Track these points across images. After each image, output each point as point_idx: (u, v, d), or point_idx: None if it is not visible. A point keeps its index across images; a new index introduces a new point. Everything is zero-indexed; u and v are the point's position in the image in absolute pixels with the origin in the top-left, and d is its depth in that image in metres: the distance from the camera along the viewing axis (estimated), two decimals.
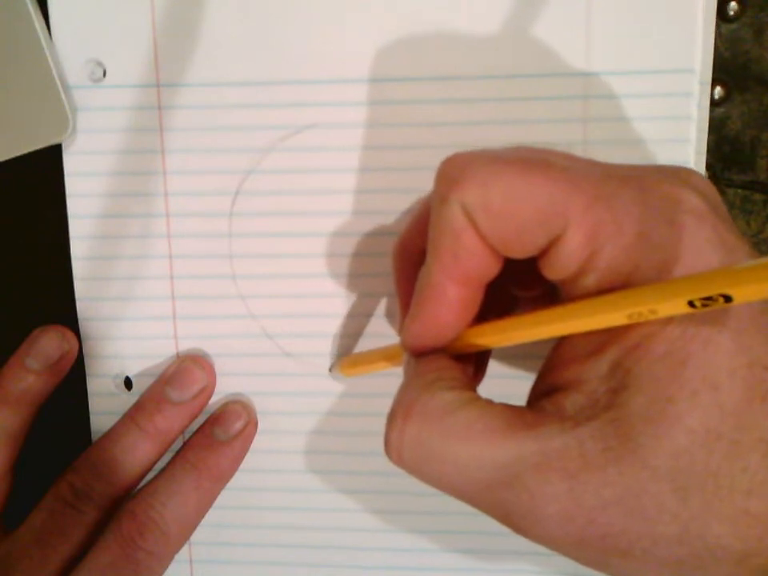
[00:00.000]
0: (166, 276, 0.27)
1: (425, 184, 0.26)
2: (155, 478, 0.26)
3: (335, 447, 0.28)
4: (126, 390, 0.28)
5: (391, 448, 0.18)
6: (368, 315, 0.27)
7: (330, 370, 0.27)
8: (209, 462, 0.26)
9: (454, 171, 0.18)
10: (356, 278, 0.26)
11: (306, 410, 0.27)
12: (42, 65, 0.25)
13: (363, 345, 0.27)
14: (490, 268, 0.18)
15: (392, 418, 0.18)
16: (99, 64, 0.26)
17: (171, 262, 0.27)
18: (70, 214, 0.27)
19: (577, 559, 0.17)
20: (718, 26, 0.25)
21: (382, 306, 0.27)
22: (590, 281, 0.17)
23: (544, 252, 0.17)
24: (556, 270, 0.17)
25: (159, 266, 0.27)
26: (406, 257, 0.22)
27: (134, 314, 0.27)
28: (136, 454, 0.26)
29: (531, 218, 0.17)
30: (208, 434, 0.27)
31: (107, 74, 0.26)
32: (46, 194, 0.27)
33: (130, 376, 0.28)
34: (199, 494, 0.26)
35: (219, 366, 0.27)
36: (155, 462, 0.26)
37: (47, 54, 0.25)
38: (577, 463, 0.16)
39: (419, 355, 0.20)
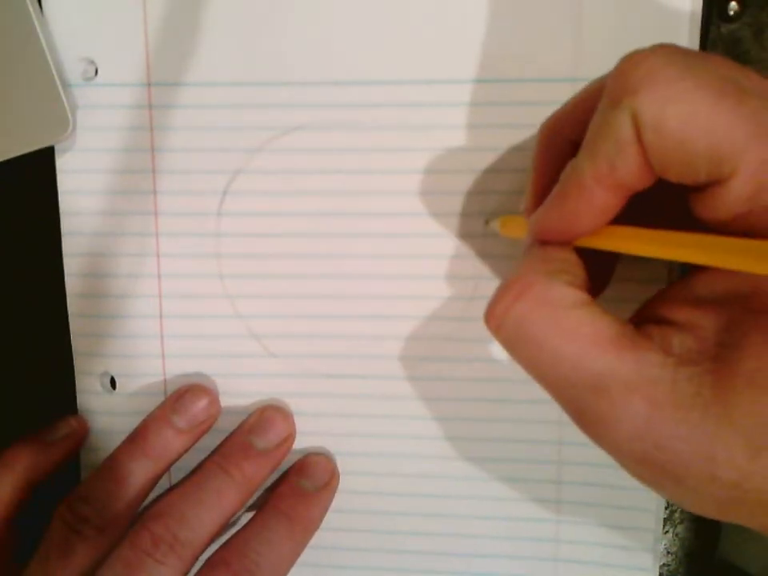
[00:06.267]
0: (154, 275, 0.27)
1: (413, 186, 0.26)
2: (245, 527, 0.25)
3: (321, 448, 0.27)
4: (111, 390, 0.27)
5: (492, 317, 0.19)
6: (355, 316, 0.26)
7: (488, 222, 0.25)
8: (299, 510, 0.25)
9: (635, 75, 0.16)
10: (344, 279, 0.26)
11: (292, 411, 0.27)
12: (41, 65, 0.25)
13: (353, 345, 0.26)
14: (642, 182, 0.17)
15: (504, 291, 0.18)
16: (91, 62, 0.26)
17: (159, 260, 0.27)
18: (62, 211, 0.27)
19: (631, 473, 0.18)
20: (717, 26, 0.24)
21: (371, 307, 0.26)
22: (738, 225, 0.16)
23: (703, 187, 0.17)
24: (708, 208, 0.17)
25: (147, 264, 0.27)
26: (552, 140, 0.21)
27: (120, 312, 0.27)
28: (222, 501, 0.24)
29: (702, 152, 0.16)
30: (294, 485, 0.26)
31: (99, 73, 0.26)
32: (38, 191, 0.27)
33: (114, 375, 0.27)
34: (292, 543, 0.25)
35: (204, 365, 0.27)
36: (237, 512, 0.25)
37: (47, 54, 0.25)
38: (665, 396, 0.16)
39: (543, 243, 0.20)
